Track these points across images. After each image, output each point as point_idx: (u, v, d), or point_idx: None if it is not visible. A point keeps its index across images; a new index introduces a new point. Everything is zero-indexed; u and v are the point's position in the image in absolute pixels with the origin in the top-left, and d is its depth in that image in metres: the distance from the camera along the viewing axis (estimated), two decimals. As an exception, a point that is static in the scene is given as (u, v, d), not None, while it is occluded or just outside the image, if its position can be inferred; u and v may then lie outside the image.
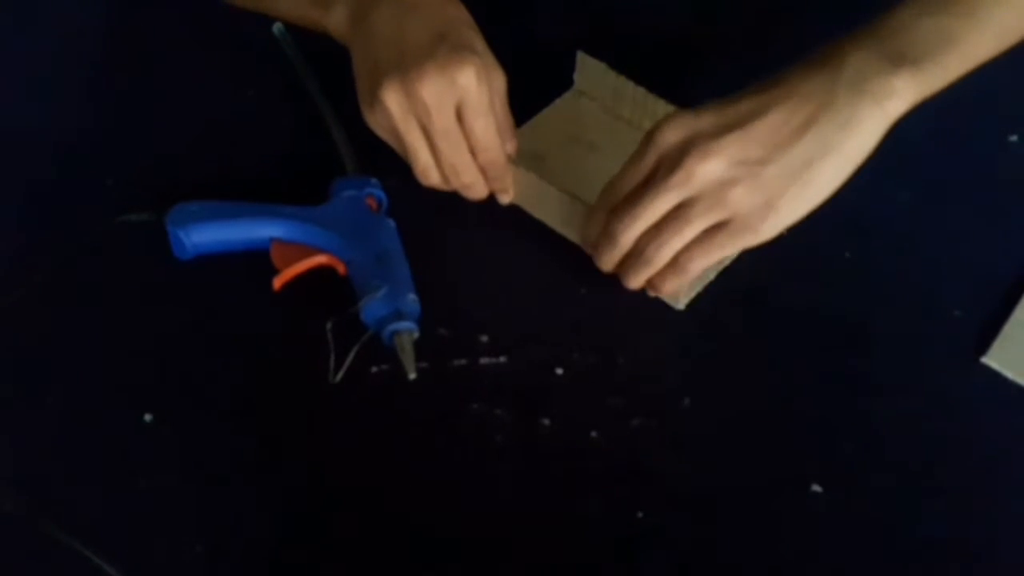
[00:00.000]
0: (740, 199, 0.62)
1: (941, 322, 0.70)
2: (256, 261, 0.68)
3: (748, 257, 0.67)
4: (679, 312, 0.70)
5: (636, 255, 0.66)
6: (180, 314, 0.68)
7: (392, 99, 0.65)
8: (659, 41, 0.85)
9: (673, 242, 0.64)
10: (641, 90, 0.77)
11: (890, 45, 0.62)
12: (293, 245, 0.69)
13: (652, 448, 0.64)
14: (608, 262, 0.67)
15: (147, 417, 0.63)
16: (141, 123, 0.78)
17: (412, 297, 0.66)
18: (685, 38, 0.86)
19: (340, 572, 0.59)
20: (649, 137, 0.64)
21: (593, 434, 0.64)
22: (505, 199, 0.73)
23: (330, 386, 0.64)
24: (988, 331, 0.69)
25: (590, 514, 0.61)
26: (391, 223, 0.70)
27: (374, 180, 0.72)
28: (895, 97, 0.62)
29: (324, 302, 0.66)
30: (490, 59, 0.67)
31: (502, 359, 0.67)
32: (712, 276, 0.70)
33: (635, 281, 0.67)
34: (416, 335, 0.66)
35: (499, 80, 0.68)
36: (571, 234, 0.72)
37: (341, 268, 0.69)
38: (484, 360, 0.67)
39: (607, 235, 0.66)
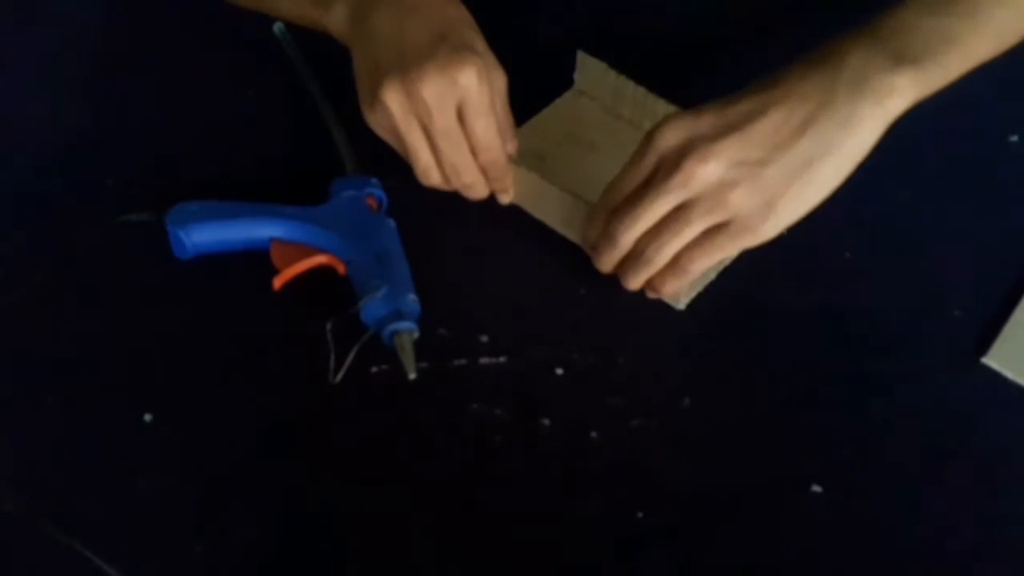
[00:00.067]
0: (740, 200, 0.62)
1: (941, 322, 0.70)
2: (256, 261, 0.68)
3: (748, 257, 0.67)
4: (679, 312, 0.70)
5: (635, 256, 0.66)
6: (180, 314, 0.68)
7: (393, 99, 0.65)
8: (659, 41, 0.85)
9: (673, 243, 0.64)
10: (641, 90, 0.77)
11: (891, 44, 0.62)
12: (293, 245, 0.69)
13: (652, 448, 0.64)
14: (607, 263, 0.67)
15: (147, 417, 0.63)
16: (141, 123, 0.78)
17: (412, 297, 0.66)
18: (685, 38, 0.86)
19: (340, 572, 0.59)
20: (648, 139, 0.64)
21: (593, 434, 0.64)
22: (505, 199, 0.73)
23: (330, 386, 0.64)
24: (988, 331, 0.69)
25: (590, 514, 0.61)
26: (391, 223, 0.70)
27: (374, 180, 0.72)
28: (895, 96, 0.62)
29: (324, 302, 0.66)
30: (491, 59, 0.67)
31: (502, 359, 0.67)
32: (713, 276, 0.70)
33: (635, 282, 0.67)
34: (416, 335, 0.66)
35: (500, 80, 0.68)
36: (571, 234, 0.72)
37: (341, 268, 0.69)
38: (484, 360, 0.67)
39: (606, 236, 0.66)
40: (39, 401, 0.64)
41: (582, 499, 0.62)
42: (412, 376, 0.65)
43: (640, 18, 0.87)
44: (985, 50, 0.65)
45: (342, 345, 0.64)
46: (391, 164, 0.70)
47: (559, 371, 0.67)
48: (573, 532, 0.61)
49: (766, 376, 0.68)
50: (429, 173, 0.69)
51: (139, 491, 0.61)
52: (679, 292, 0.68)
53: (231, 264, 0.69)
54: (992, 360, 0.68)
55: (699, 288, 0.70)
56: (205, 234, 0.69)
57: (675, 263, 0.65)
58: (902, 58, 0.62)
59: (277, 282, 0.68)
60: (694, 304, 0.70)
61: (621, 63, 0.78)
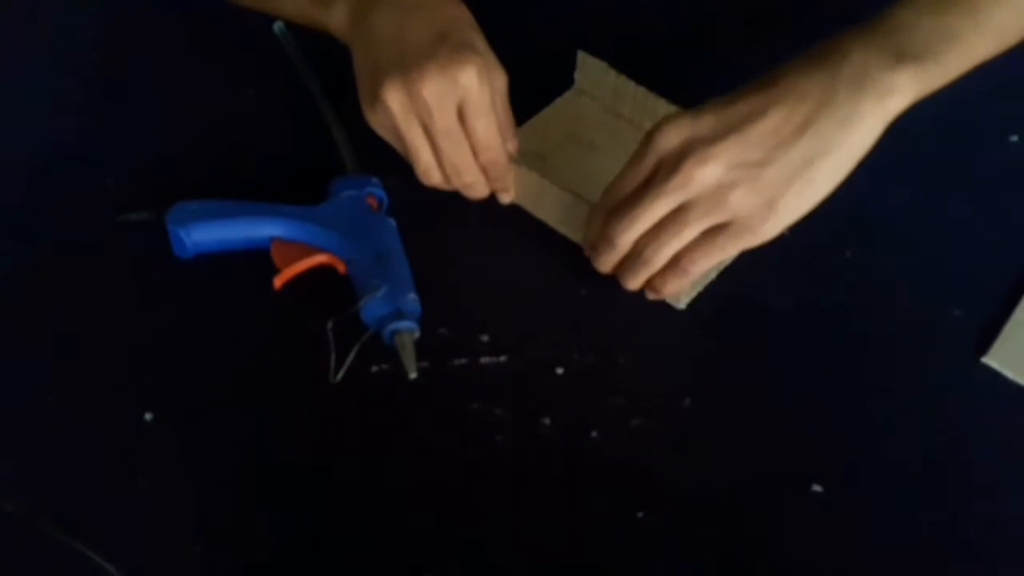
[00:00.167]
0: (740, 202, 0.62)
1: (941, 322, 0.70)
2: (256, 260, 0.68)
3: (749, 257, 0.67)
4: (679, 312, 0.70)
5: (634, 256, 0.66)
6: (180, 313, 0.68)
7: (394, 99, 0.65)
8: (659, 40, 0.85)
9: (672, 244, 0.64)
10: (642, 89, 0.77)
11: (891, 42, 0.62)
12: (294, 244, 0.69)
13: (652, 448, 0.64)
14: (606, 264, 0.67)
15: (147, 416, 0.63)
16: (141, 123, 0.78)
17: (412, 296, 0.66)
18: (685, 37, 0.86)
19: (340, 572, 0.59)
20: (648, 140, 0.64)
21: (593, 434, 0.64)
22: (506, 198, 0.73)
23: (330, 386, 0.64)
24: (988, 331, 0.69)
25: (590, 514, 0.61)
26: (391, 222, 0.70)
27: (375, 179, 0.72)
28: (896, 94, 0.62)
29: (324, 301, 0.66)
30: (491, 58, 0.67)
31: (503, 359, 0.67)
32: (713, 276, 0.70)
33: (634, 282, 0.67)
34: (417, 334, 0.66)
35: (500, 80, 0.68)
36: (572, 233, 0.72)
37: (341, 267, 0.69)
38: (484, 360, 0.67)
39: (605, 237, 0.66)
40: (39, 401, 0.64)
41: (582, 499, 0.62)
42: (413, 376, 0.65)
43: (640, 17, 0.87)
44: (985, 49, 0.65)
45: (342, 344, 0.64)
46: (391, 163, 0.70)
47: (559, 371, 0.67)
48: (573, 532, 0.61)
49: (766, 376, 0.68)
50: (430, 173, 0.69)
51: (139, 491, 0.61)
52: (679, 292, 0.68)
53: (231, 263, 0.69)
54: (992, 360, 0.68)
55: (700, 288, 0.70)
56: (205, 233, 0.69)
57: (675, 263, 0.65)
58: (902, 56, 0.62)
59: (277, 281, 0.68)
60: (695, 304, 0.70)
61: (621, 63, 0.78)
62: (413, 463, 0.63)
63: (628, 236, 0.65)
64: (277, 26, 0.81)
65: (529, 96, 0.78)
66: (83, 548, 0.57)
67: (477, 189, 0.71)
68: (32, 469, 0.61)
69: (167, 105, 0.79)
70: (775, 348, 0.69)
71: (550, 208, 0.73)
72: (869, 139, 0.62)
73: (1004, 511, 0.63)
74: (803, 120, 0.61)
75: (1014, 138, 0.81)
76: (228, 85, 0.80)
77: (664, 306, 0.70)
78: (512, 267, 0.72)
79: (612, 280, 0.68)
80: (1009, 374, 0.67)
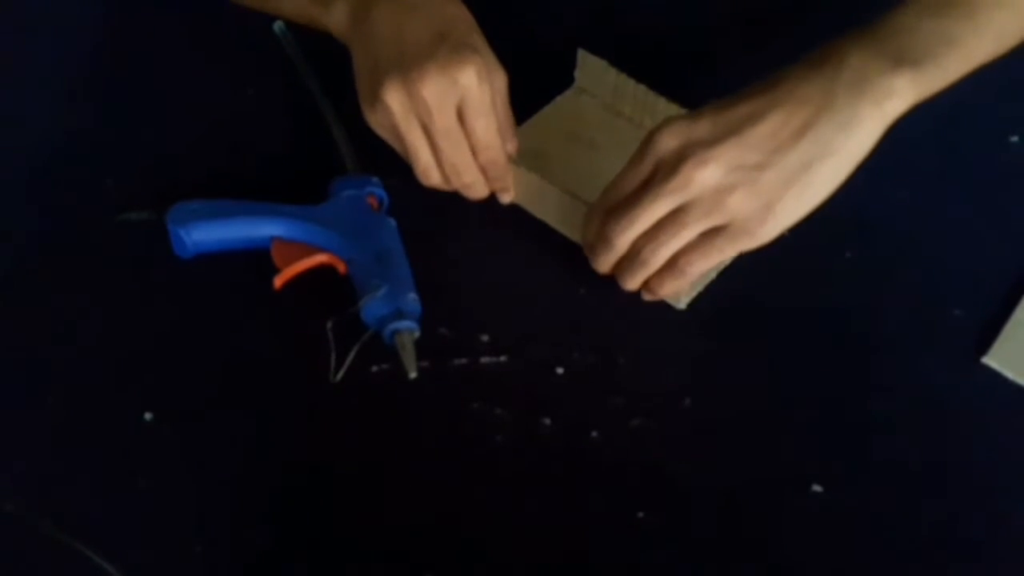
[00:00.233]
0: (738, 204, 0.62)
1: (941, 322, 0.70)
2: (257, 260, 0.68)
3: (749, 257, 0.67)
4: (679, 312, 0.70)
5: (632, 257, 0.66)
6: (180, 313, 0.68)
7: (393, 99, 0.65)
8: (660, 38, 0.85)
9: (670, 244, 0.64)
10: (642, 87, 0.77)
11: (890, 45, 0.62)
12: (294, 244, 0.69)
13: (652, 448, 0.64)
14: (604, 264, 0.67)
15: (147, 416, 0.63)
16: (141, 123, 0.78)
17: (413, 296, 0.66)
18: (685, 35, 0.86)
19: (340, 572, 0.59)
20: (647, 142, 0.64)
21: (593, 434, 0.64)
22: (506, 198, 0.73)
23: (330, 385, 0.64)
24: (989, 331, 0.69)
25: (591, 514, 0.61)
26: (392, 222, 0.70)
27: (375, 179, 0.72)
28: (895, 97, 0.62)
29: (325, 301, 0.66)
30: (491, 58, 0.67)
31: (503, 359, 0.67)
32: (713, 276, 0.70)
33: (632, 283, 0.67)
34: (417, 334, 0.66)
35: (500, 79, 0.68)
36: (572, 233, 0.72)
37: (342, 267, 0.69)
38: (485, 359, 0.67)
39: (603, 237, 0.66)
40: (39, 401, 0.64)
41: (582, 499, 0.62)
42: (413, 375, 0.65)
43: (641, 15, 0.87)
44: (984, 52, 0.65)
45: (343, 344, 0.64)
46: (391, 163, 0.70)
47: (560, 371, 0.67)
48: (573, 532, 0.61)
49: (766, 376, 0.68)
50: (429, 173, 0.69)
51: (139, 491, 0.61)
52: (677, 294, 0.68)
53: (231, 263, 0.69)
54: (992, 360, 0.68)
55: (700, 288, 0.70)
56: (205, 233, 0.69)
57: (673, 265, 0.65)
58: (901, 60, 0.62)
59: (278, 281, 0.68)
60: (695, 304, 0.70)
61: (622, 61, 0.78)
62: (413, 463, 0.63)
63: (626, 236, 0.65)
64: (277, 26, 0.81)
65: (529, 95, 0.78)
66: (83, 548, 0.57)
67: (476, 189, 0.71)
68: (32, 469, 0.61)
69: (167, 105, 0.79)
70: (775, 348, 0.69)
71: (550, 208, 0.73)
72: (868, 143, 0.62)
73: (1004, 511, 0.63)
74: (802, 123, 0.61)
75: (1014, 138, 0.81)
76: (228, 85, 0.80)
77: (664, 306, 0.70)
78: (512, 267, 0.72)
79: (612, 280, 0.68)
80: (1009, 374, 0.67)
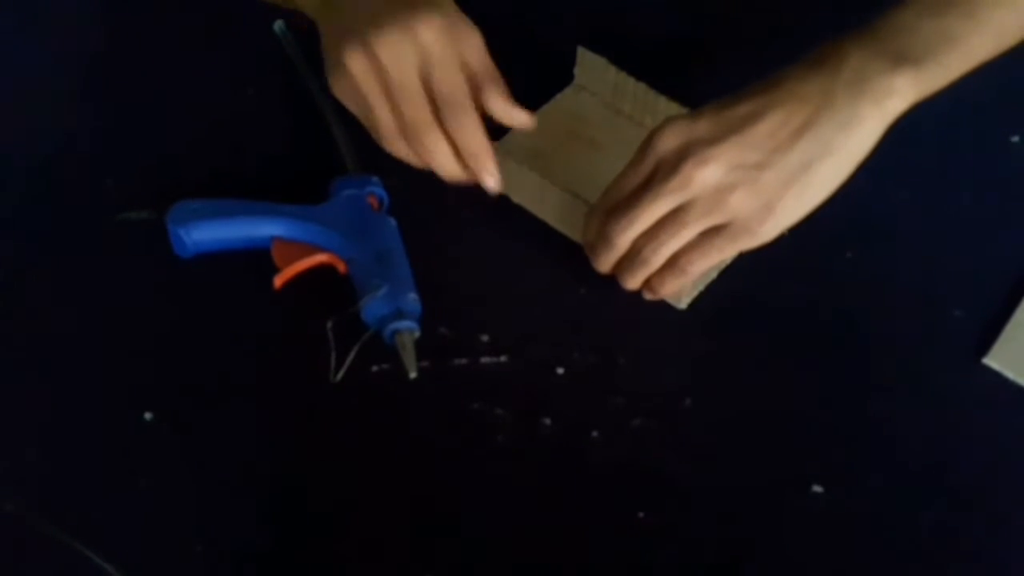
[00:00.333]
0: (738, 203, 0.62)
1: (941, 322, 0.70)
2: (257, 259, 0.68)
3: (749, 257, 0.67)
4: (680, 312, 0.70)
5: (633, 256, 0.66)
6: (180, 312, 0.68)
7: (354, 61, 0.63)
8: (659, 36, 0.85)
9: (670, 244, 0.64)
10: (642, 85, 0.77)
11: (891, 44, 0.62)
12: (294, 244, 0.69)
13: (653, 448, 0.64)
14: (604, 263, 0.67)
15: (147, 416, 0.63)
16: (141, 123, 0.78)
17: (413, 296, 0.66)
18: (685, 33, 0.86)
19: (340, 571, 0.59)
20: (647, 142, 0.64)
21: (594, 434, 0.64)
22: (491, 183, 0.67)
23: (330, 385, 0.64)
24: (989, 331, 0.69)
25: (590, 514, 0.61)
26: (392, 222, 0.70)
27: (375, 178, 0.72)
28: (895, 96, 0.62)
29: (325, 301, 0.66)
30: (458, 17, 0.65)
31: (503, 358, 0.67)
32: (713, 276, 0.70)
33: (632, 282, 0.67)
34: (417, 334, 0.66)
35: (471, 37, 0.65)
36: (572, 233, 0.72)
37: (342, 267, 0.69)
38: (485, 359, 0.67)
39: (603, 236, 0.66)
40: (39, 401, 0.64)
41: (582, 499, 0.62)
42: (413, 375, 0.65)
43: (640, 14, 0.87)
44: (985, 50, 0.65)
45: (343, 344, 0.64)
46: (392, 163, 0.70)
47: (560, 371, 0.67)
48: (573, 532, 0.61)
49: (767, 376, 0.68)
50: (392, 139, 0.66)
51: (139, 491, 0.61)
52: (679, 293, 0.68)
53: (232, 263, 0.69)
54: (993, 360, 0.68)
55: (700, 288, 0.70)
56: (206, 232, 0.69)
57: (673, 264, 0.65)
58: (902, 59, 0.62)
59: (278, 281, 0.68)
60: (695, 304, 0.70)
61: (621, 58, 0.78)
62: (413, 463, 0.63)
63: (626, 236, 0.65)
64: (277, 26, 0.81)
65: (529, 93, 0.77)
66: (83, 548, 0.57)
67: (442, 158, 0.66)
68: (32, 469, 0.61)
69: (167, 105, 0.79)
70: (775, 348, 0.69)
71: (550, 208, 0.73)
72: (868, 142, 0.62)
73: (1004, 511, 0.63)
74: (802, 123, 0.62)
75: (1014, 138, 0.81)
76: (228, 85, 0.80)
77: (665, 306, 0.70)
78: (512, 267, 0.72)
79: (612, 280, 0.68)
80: (1010, 374, 0.67)
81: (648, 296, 0.68)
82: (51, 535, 0.58)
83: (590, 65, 0.79)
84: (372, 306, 0.66)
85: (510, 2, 0.85)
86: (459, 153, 0.66)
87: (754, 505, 0.62)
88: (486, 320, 0.68)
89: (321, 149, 0.75)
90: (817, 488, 0.63)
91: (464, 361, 0.66)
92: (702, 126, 0.62)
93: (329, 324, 0.64)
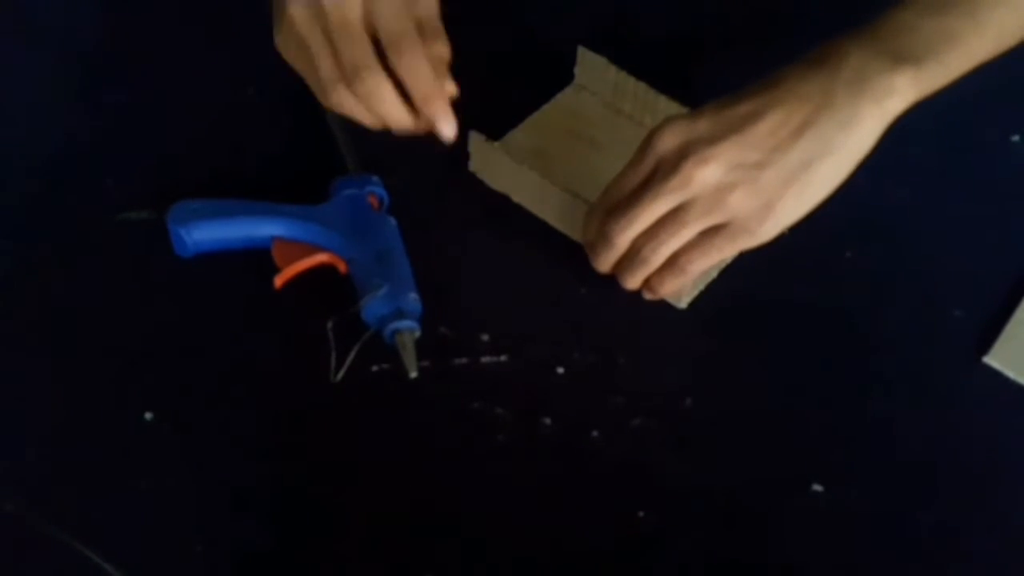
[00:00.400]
0: (738, 203, 0.62)
1: (942, 322, 0.70)
2: (257, 259, 0.68)
3: (749, 256, 0.67)
4: (680, 312, 0.70)
5: (632, 255, 0.66)
6: (181, 313, 0.68)
7: (297, 9, 0.62)
8: (659, 36, 0.85)
9: (670, 243, 0.64)
10: (642, 85, 0.77)
11: (891, 44, 0.62)
12: (294, 243, 0.69)
13: (653, 447, 0.64)
14: (604, 263, 0.67)
15: (147, 416, 0.63)
16: (141, 123, 0.78)
17: (413, 296, 0.66)
18: (685, 33, 0.86)
19: (340, 571, 0.59)
20: (647, 141, 0.64)
21: (594, 433, 0.64)
22: (447, 129, 0.63)
23: (331, 385, 0.64)
24: (989, 331, 0.69)
25: (590, 514, 0.61)
26: (392, 221, 0.70)
27: (375, 178, 0.72)
28: (895, 95, 0.62)
29: (325, 301, 0.66)
30: None
31: (503, 358, 0.67)
32: (714, 275, 0.70)
33: (632, 281, 0.67)
34: (417, 334, 0.66)
35: None
36: (572, 232, 0.72)
37: (342, 267, 0.69)
38: (485, 359, 0.67)
39: (603, 236, 0.66)
40: (39, 401, 0.64)
41: (583, 498, 0.62)
42: (413, 375, 0.65)
43: (641, 13, 0.87)
44: (985, 50, 0.65)
45: (343, 344, 0.64)
46: (392, 162, 0.70)
47: (560, 370, 0.67)
48: (573, 532, 0.61)
49: (767, 375, 0.68)
50: (333, 87, 0.62)
51: (139, 491, 0.61)
52: (679, 292, 0.68)
53: (232, 262, 0.69)
54: (993, 360, 0.68)
55: (700, 287, 0.70)
56: (206, 232, 0.69)
57: (673, 263, 0.65)
58: (901, 58, 0.62)
59: (278, 280, 0.68)
60: (695, 303, 0.70)
61: (621, 58, 0.78)
62: (413, 463, 0.63)
63: (626, 235, 0.65)
64: (277, 25, 0.81)
65: (529, 92, 0.78)
66: (83, 548, 0.57)
67: (389, 105, 0.62)
68: (32, 469, 0.61)
69: (167, 105, 0.79)
70: (776, 348, 0.69)
71: (550, 208, 0.73)
72: (868, 141, 0.62)
73: (1004, 511, 0.63)
74: (802, 122, 0.62)
75: (1014, 138, 0.81)
76: (228, 85, 0.80)
77: (665, 306, 0.70)
78: (512, 267, 0.72)
79: (612, 280, 0.68)
80: (1010, 374, 0.67)
81: (648, 296, 0.68)
82: (51, 535, 0.58)
83: (590, 65, 0.79)
84: (372, 306, 0.66)
85: (510, 2, 0.85)
86: (409, 101, 0.62)
87: (754, 505, 0.62)
88: (486, 320, 0.68)
89: (321, 149, 0.75)
90: (817, 487, 0.63)
91: (464, 361, 0.66)
92: (702, 125, 0.62)
93: (329, 324, 0.64)
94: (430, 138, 0.63)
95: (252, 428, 0.64)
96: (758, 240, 0.63)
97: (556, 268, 0.71)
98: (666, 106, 0.76)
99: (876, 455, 0.64)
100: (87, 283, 0.69)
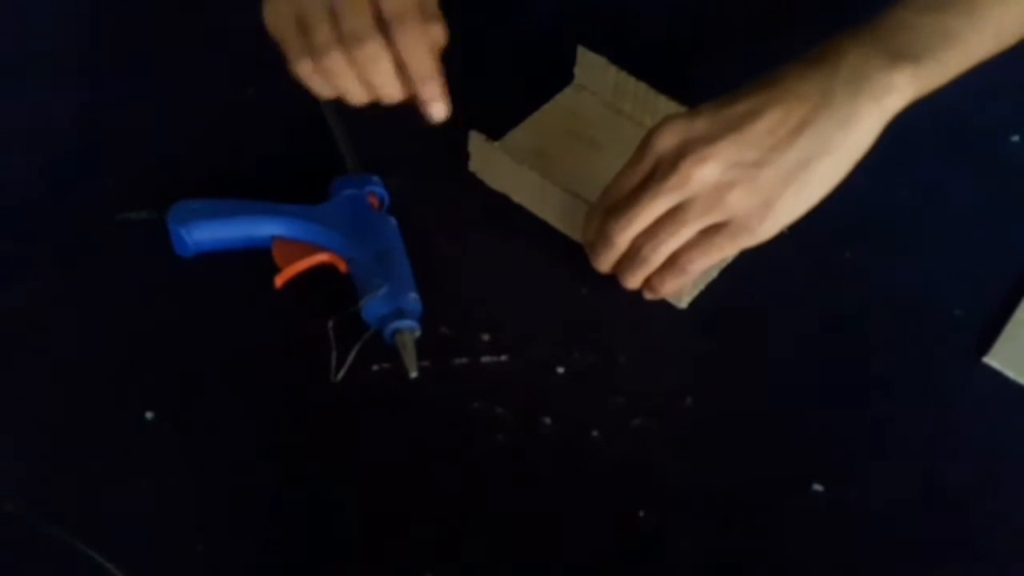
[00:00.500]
0: (737, 201, 0.62)
1: (941, 322, 0.70)
2: (257, 259, 0.68)
3: (749, 257, 0.67)
4: (680, 311, 0.70)
5: (632, 255, 0.66)
6: (181, 312, 0.68)
7: None
8: (659, 35, 0.85)
9: (670, 243, 0.64)
10: (642, 85, 0.77)
11: (890, 42, 0.62)
12: (295, 243, 0.69)
13: (653, 447, 0.64)
14: (604, 263, 0.67)
15: (148, 415, 0.63)
16: (141, 123, 0.78)
17: (413, 296, 0.66)
18: (685, 32, 0.86)
19: (340, 571, 0.59)
20: (646, 140, 0.64)
21: (594, 433, 0.64)
22: (437, 111, 0.63)
23: (331, 385, 0.64)
24: (989, 331, 0.69)
25: (590, 514, 0.61)
26: (392, 221, 0.70)
27: (375, 178, 0.72)
28: (894, 93, 0.62)
29: (325, 300, 0.66)
30: None
31: (503, 358, 0.67)
32: (714, 275, 0.70)
33: (632, 281, 0.67)
34: (418, 334, 0.66)
35: None
36: (572, 232, 0.72)
37: (342, 266, 0.69)
38: (485, 359, 0.67)
39: (603, 235, 0.66)
40: (39, 401, 0.64)
41: (583, 498, 0.62)
42: (414, 375, 0.65)
43: (640, 13, 0.87)
44: (984, 48, 0.65)
45: (343, 343, 0.64)
46: (392, 162, 0.70)
47: (560, 370, 0.67)
48: (573, 531, 0.61)
49: (767, 375, 0.68)
50: (325, 49, 0.61)
51: (139, 491, 0.61)
52: (679, 292, 0.68)
53: (232, 262, 0.69)
54: (993, 359, 0.68)
55: (700, 287, 0.70)
56: (206, 232, 0.69)
57: (673, 263, 0.65)
58: (900, 56, 0.62)
59: (278, 280, 0.68)
60: (696, 303, 0.70)
61: (621, 58, 0.78)
62: (414, 462, 0.63)
63: (626, 235, 0.65)
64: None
65: (529, 92, 0.78)
66: (83, 548, 0.57)
67: (384, 75, 0.61)
68: (32, 469, 0.61)
69: (167, 105, 0.79)
70: (776, 347, 0.69)
71: (550, 208, 0.73)
72: (867, 139, 0.62)
73: (1004, 511, 0.63)
74: (800, 121, 0.62)
75: (1014, 138, 0.81)
76: (228, 85, 0.80)
77: (665, 305, 0.70)
78: (512, 267, 0.72)
79: (612, 279, 0.68)
80: (1010, 374, 0.67)
81: (648, 295, 0.68)
82: (51, 535, 0.58)
83: (590, 65, 0.79)
84: (373, 305, 0.66)
85: (510, 2, 0.85)
86: (403, 75, 0.62)
87: (754, 504, 0.62)
88: (486, 319, 0.68)
89: (321, 149, 0.75)
90: (817, 487, 0.63)
91: (465, 360, 0.66)
92: (700, 124, 0.62)
93: (330, 324, 0.65)
94: (412, 109, 0.63)
95: (252, 428, 0.64)
96: (758, 239, 0.63)
97: (556, 268, 0.71)
98: (666, 106, 0.76)
99: (876, 455, 0.64)
100: (87, 283, 0.69)
